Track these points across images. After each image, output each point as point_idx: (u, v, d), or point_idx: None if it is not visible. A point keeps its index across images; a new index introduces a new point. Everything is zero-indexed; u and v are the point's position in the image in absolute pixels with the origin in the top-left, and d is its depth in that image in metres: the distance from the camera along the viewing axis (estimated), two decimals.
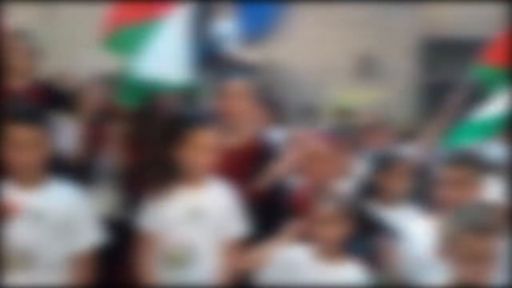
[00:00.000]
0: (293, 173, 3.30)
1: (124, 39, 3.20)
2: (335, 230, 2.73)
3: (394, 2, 9.21)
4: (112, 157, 3.19)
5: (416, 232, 3.08)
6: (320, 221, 2.74)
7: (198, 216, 2.86)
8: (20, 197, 2.62)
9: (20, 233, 2.57)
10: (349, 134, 3.84)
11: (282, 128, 4.34)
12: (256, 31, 8.36)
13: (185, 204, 2.87)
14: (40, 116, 2.68)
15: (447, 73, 8.65)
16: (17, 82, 3.58)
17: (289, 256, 2.79)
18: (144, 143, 3.07)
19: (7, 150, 2.58)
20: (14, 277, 2.55)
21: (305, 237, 2.82)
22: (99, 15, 3.36)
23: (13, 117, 2.60)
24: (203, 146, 2.86)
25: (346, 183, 3.29)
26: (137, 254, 2.87)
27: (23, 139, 2.56)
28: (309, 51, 9.42)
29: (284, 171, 3.32)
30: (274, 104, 4.82)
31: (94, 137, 3.31)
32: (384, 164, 3.29)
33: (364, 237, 2.89)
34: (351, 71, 9.59)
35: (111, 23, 3.27)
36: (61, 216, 2.64)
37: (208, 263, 2.85)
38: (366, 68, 9.64)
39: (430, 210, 3.15)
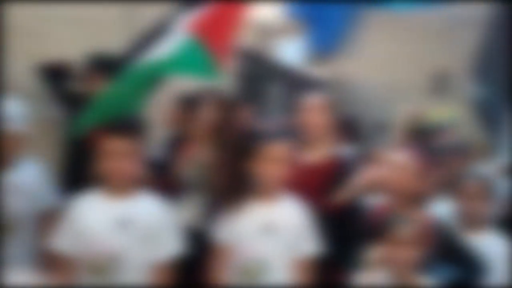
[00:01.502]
0: (372, 191, 3.22)
1: None
2: (411, 253, 2.66)
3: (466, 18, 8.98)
4: (198, 170, 3.24)
5: (502, 257, 2.98)
6: (396, 243, 2.68)
7: (270, 230, 2.87)
8: (110, 205, 2.72)
9: (109, 240, 2.67)
10: (435, 153, 3.75)
11: (356, 146, 4.28)
12: (326, 47, 8.31)
13: (258, 218, 2.89)
14: (134, 127, 2.76)
15: None
16: None
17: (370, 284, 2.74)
18: (223, 157, 3.10)
19: (101, 160, 2.68)
20: (96, 280, 2.65)
21: (384, 261, 2.76)
22: None
23: (108, 128, 2.70)
24: (275, 159, 2.87)
25: (435, 205, 3.21)
26: (212, 265, 2.91)
27: (118, 149, 2.65)
28: (380, 67, 9.28)
29: (362, 187, 3.25)
30: (350, 121, 4.76)
31: (182, 150, 3.37)
32: (461, 188, 3.21)
33: (447, 263, 2.81)
34: (424, 88, 9.38)
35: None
36: (147, 225, 2.72)
37: (280, 278, 2.85)
38: (440, 85, 9.41)
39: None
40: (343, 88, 8.54)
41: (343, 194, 3.28)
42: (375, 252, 2.88)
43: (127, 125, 2.75)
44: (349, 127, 4.57)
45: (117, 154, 2.65)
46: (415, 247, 2.66)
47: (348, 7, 7.45)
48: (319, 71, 8.53)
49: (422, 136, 4.98)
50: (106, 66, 3.75)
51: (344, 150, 3.73)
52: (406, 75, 9.21)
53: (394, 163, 3.10)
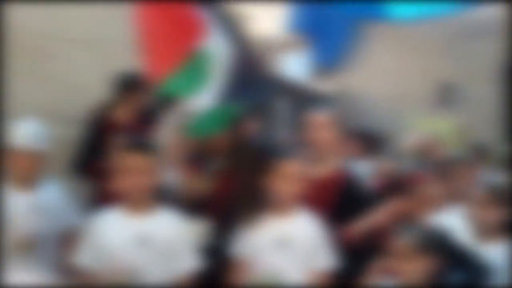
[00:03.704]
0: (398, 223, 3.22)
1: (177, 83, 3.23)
2: (416, 265, 2.67)
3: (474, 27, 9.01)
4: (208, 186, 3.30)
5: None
6: (400, 256, 2.68)
7: (285, 244, 2.94)
8: (129, 221, 2.78)
9: (128, 256, 2.73)
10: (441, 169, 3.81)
11: (370, 159, 4.33)
12: (330, 60, 8.36)
13: (273, 232, 2.96)
14: (152, 146, 2.85)
15: None
16: (125, 114, 3.75)
17: None
18: (237, 175, 3.17)
19: (120, 176, 2.75)
20: None
21: (389, 273, 2.79)
22: None
23: (127, 146, 2.79)
24: (289, 175, 2.95)
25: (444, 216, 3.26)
26: (229, 279, 2.98)
27: (136, 166, 2.72)
28: (385, 79, 9.33)
29: (386, 220, 3.31)
30: (370, 134, 4.83)
31: (193, 168, 3.43)
32: (471, 196, 3.26)
33: (453, 271, 2.84)
34: (431, 99, 9.40)
35: (156, 74, 3.21)
36: (166, 242, 2.79)
37: None
38: (446, 96, 9.43)
39: None
40: (348, 101, 8.61)
41: (362, 225, 3.33)
42: (378, 264, 2.94)
43: (144, 142, 2.85)
44: (369, 140, 4.64)
45: (135, 170, 2.72)
46: (419, 259, 2.65)
47: (352, 19, 7.51)
48: (324, 85, 8.60)
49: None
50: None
51: (352, 163, 3.80)
52: (412, 86, 9.25)
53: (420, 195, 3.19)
